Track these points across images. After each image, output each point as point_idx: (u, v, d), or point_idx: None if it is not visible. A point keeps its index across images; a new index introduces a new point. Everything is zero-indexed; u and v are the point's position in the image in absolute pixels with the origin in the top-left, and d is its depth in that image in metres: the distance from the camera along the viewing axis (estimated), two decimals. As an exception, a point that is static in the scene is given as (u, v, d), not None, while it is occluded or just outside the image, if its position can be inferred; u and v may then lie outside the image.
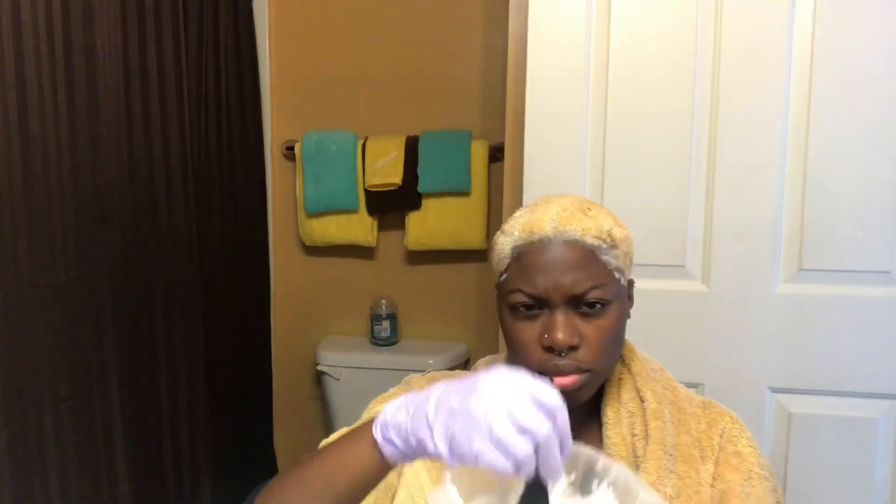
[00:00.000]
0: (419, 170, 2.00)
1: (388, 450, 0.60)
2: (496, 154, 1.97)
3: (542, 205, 0.81)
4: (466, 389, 0.56)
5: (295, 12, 2.13)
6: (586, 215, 0.78)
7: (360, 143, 2.06)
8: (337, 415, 2.06)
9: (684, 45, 1.28)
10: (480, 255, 2.07)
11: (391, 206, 2.07)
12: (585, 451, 0.64)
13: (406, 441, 0.59)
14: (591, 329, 0.77)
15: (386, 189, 2.04)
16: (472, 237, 2.03)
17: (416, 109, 2.08)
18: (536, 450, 0.54)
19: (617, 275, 0.79)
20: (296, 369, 2.26)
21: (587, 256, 0.77)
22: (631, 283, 0.84)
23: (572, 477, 0.63)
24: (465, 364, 2.11)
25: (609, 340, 0.78)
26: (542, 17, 1.31)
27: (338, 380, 2.03)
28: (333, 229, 2.10)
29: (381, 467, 0.62)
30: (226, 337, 1.97)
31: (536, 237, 0.77)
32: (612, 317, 0.78)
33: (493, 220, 2.02)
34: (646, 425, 0.81)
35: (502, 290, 0.81)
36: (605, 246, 0.77)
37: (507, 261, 0.80)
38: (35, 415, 1.30)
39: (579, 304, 0.76)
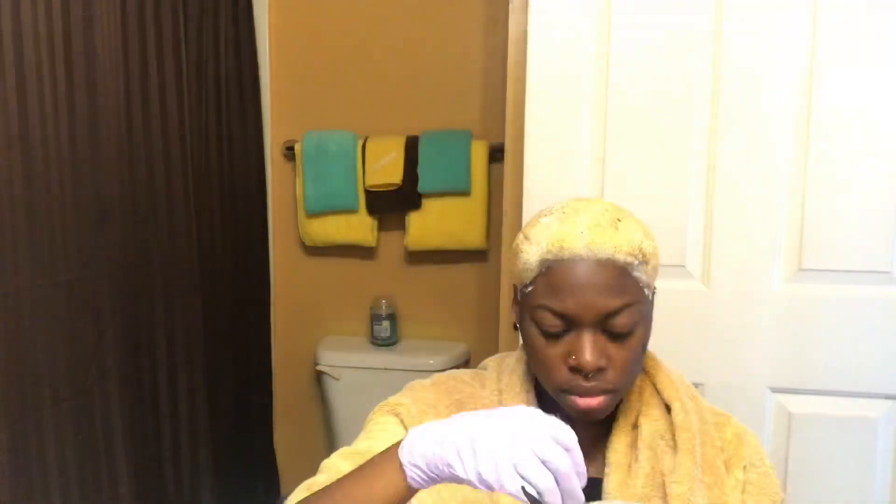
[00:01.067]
0: (419, 170, 2.00)
1: (415, 478, 0.63)
2: (496, 154, 1.97)
3: (570, 214, 0.77)
4: (492, 426, 0.61)
5: (295, 12, 2.13)
6: (618, 229, 0.75)
7: (360, 143, 2.06)
8: (337, 415, 2.07)
9: (685, 45, 1.28)
10: (480, 256, 2.07)
11: (391, 206, 2.07)
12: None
13: (434, 468, 0.61)
14: (618, 351, 0.75)
15: (386, 189, 2.04)
16: (472, 237, 2.03)
17: (416, 109, 2.08)
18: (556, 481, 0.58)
19: (647, 291, 0.77)
20: (296, 369, 2.26)
21: (619, 274, 0.74)
22: (654, 292, 0.82)
23: None
24: (466, 364, 2.11)
25: (635, 361, 0.77)
26: (543, 18, 1.31)
27: (338, 380, 2.03)
28: (333, 229, 2.10)
29: (408, 494, 0.64)
30: (226, 337, 1.97)
31: (567, 254, 0.74)
32: (639, 337, 0.77)
33: (493, 220, 2.02)
34: (674, 436, 0.80)
35: (527, 303, 0.78)
36: (636, 262, 0.75)
37: (533, 273, 0.77)
38: (35, 415, 1.30)
39: (608, 324, 0.74)
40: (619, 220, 0.76)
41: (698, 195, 1.29)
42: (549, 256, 0.75)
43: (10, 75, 1.22)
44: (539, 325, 0.76)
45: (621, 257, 0.74)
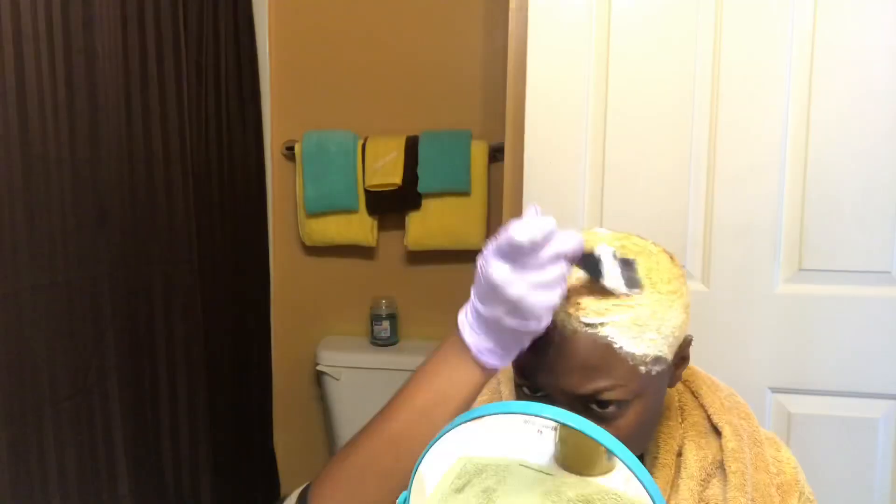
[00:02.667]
0: (419, 170, 2.00)
1: (481, 350, 0.62)
2: (496, 154, 1.97)
3: None
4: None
5: (295, 12, 2.13)
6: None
7: (360, 143, 2.06)
8: (337, 415, 2.07)
9: (684, 46, 1.28)
10: (480, 256, 2.07)
11: (391, 206, 2.07)
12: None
13: (494, 325, 0.61)
14: (607, 429, 0.67)
15: (386, 189, 2.04)
16: (472, 237, 2.03)
17: (416, 109, 2.08)
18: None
19: (644, 368, 0.63)
20: (296, 369, 2.26)
21: (598, 351, 0.62)
22: (687, 342, 0.70)
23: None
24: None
25: (630, 437, 0.64)
26: (542, 18, 1.31)
27: (338, 380, 2.03)
28: (333, 229, 2.10)
29: (482, 376, 0.63)
30: (226, 337, 1.97)
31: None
32: (635, 413, 0.65)
33: (493, 220, 2.02)
34: (723, 466, 0.72)
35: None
36: (626, 336, 0.62)
37: None
38: (35, 415, 1.30)
39: (590, 403, 0.64)
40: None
41: (698, 195, 1.29)
42: None
43: (10, 75, 1.22)
44: (517, 382, 0.69)
45: (606, 331, 0.62)
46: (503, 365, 0.64)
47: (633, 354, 0.62)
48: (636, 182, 1.31)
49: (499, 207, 1.84)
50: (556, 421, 0.49)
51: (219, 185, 1.94)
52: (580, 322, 0.62)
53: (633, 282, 0.64)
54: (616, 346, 0.62)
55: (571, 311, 0.63)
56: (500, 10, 1.93)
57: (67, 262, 1.36)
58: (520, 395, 0.70)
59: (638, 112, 1.30)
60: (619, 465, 0.53)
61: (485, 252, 0.62)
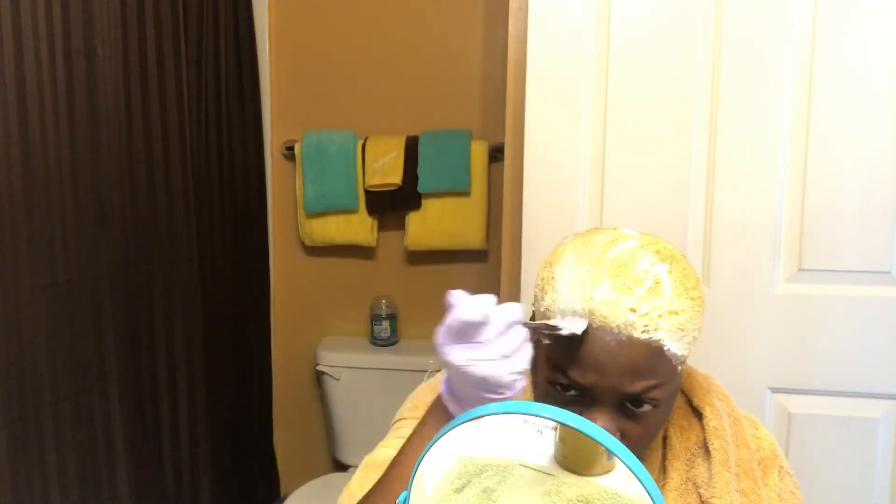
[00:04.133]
0: (419, 170, 2.00)
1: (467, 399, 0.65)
2: (496, 154, 1.97)
3: (606, 269, 0.67)
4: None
5: (295, 12, 2.13)
6: (658, 297, 0.65)
7: (360, 143, 2.06)
8: (337, 415, 2.07)
9: (684, 46, 1.28)
10: (480, 256, 2.07)
11: (391, 206, 2.07)
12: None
13: (469, 384, 0.63)
14: (635, 428, 0.68)
15: (386, 189, 2.04)
16: (471, 237, 2.03)
17: (416, 109, 2.08)
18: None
19: (680, 367, 0.69)
20: (296, 369, 2.26)
21: (652, 354, 0.66)
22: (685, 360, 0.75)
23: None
24: (465, 364, 2.11)
25: (653, 434, 0.71)
26: (542, 17, 1.31)
27: (338, 380, 2.03)
28: (333, 229, 2.10)
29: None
30: (226, 337, 1.97)
31: (595, 322, 0.66)
32: (662, 412, 0.70)
33: (493, 220, 2.02)
34: (707, 444, 0.76)
35: (544, 351, 0.71)
36: (674, 339, 0.66)
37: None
38: (35, 415, 1.30)
39: (628, 402, 0.68)
40: (658, 284, 0.66)
41: (698, 195, 1.29)
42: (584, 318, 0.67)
43: (10, 75, 1.22)
44: (551, 382, 0.71)
45: (658, 336, 0.65)
46: None
47: (676, 356, 0.67)
48: (636, 182, 1.31)
49: (499, 207, 1.84)
50: (556, 421, 0.49)
51: (219, 185, 1.94)
52: (636, 329, 0.65)
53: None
54: (666, 348, 0.66)
55: (625, 317, 0.65)
56: (500, 10, 1.93)
57: (67, 262, 1.36)
58: (549, 394, 0.72)
59: (638, 112, 1.30)
60: (618, 465, 0.53)
61: (438, 341, 0.64)
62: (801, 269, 1.27)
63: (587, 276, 0.67)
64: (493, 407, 0.52)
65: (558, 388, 0.70)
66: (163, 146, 1.64)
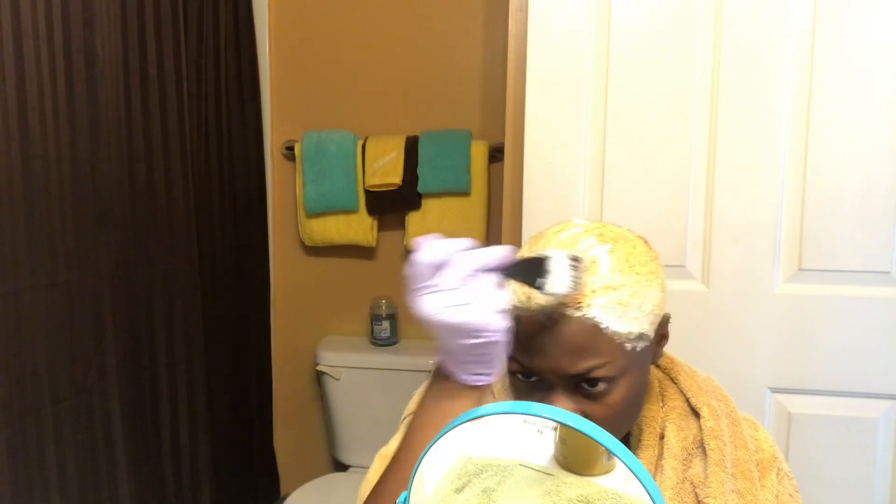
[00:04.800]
0: (419, 170, 2.00)
1: (468, 377, 0.64)
2: (496, 154, 1.97)
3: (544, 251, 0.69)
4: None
5: (295, 12, 2.13)
6: (593, 274, 0.66)
7: (359, 143, 2.06)
8: (337, 415, 2.06)
9: (684, 46, 1.28)
10: (480, 255, 2.07)
11: (391, 206, 2.07)
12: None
13: (464, 353, 0.63)
14: (596, 408, 0.69)
15: (386, 189, 2.04)
16: (471, 237, 2.02)
17: (416, 109, 2.08)
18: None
19: (631, 345, 0.68)
20: (296, 369, 2.26)
21: (587, 332, 0.66)
22: (666, 319, 0.75)
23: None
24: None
25: (619, 414, 0.70)
26: (542, 17, 1.31)
27: (338, 380, 2.03)
28: (333, 229, 2.10)
29: (479, 394, 0.65)
30: (226, 337, 1.97)
31: (532, 304, 0.67)
32: (623, 389, 0.69)
33: (493, 220, 2.02)
34: (703, 444, 0.76)
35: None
36: (612, 315, 0.66)
37: (510, 317, 0.70)
38: (35, 415, 1.30)
39: (578, 383, 0.68)
40: (593, 263, 0.67)
41: (698, 195, 1.30)
42: (515, 303, 0.68)
43: (10, 75, 1.22)
44: (510, 369, 0.72)
45: (592, 313, 0.66)
46: (496, 376, 0.66)
47: (618, 333, 0.67)
48: (636, 182, 1.31)
49: (499, 207, 1.84)
50: (556, 421, 0.49)
51: (219, 185, 1.94)
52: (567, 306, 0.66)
53: (579, 284, 0.67)
54: (602, 325, 0.66)
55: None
56: (500, 10, 1.93)
57: (67, 262, 1.36)
58: (514, 384, 0.73)
59: (638, 112, 1.30)
60: (618, 465, 0.53)
61: (409, 296, 0.64)
62: (801, 269, 1.27)
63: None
64: (493, 407, 0.52)
65: (519, 376, 0.71)
66: (163, 146, 1.64)
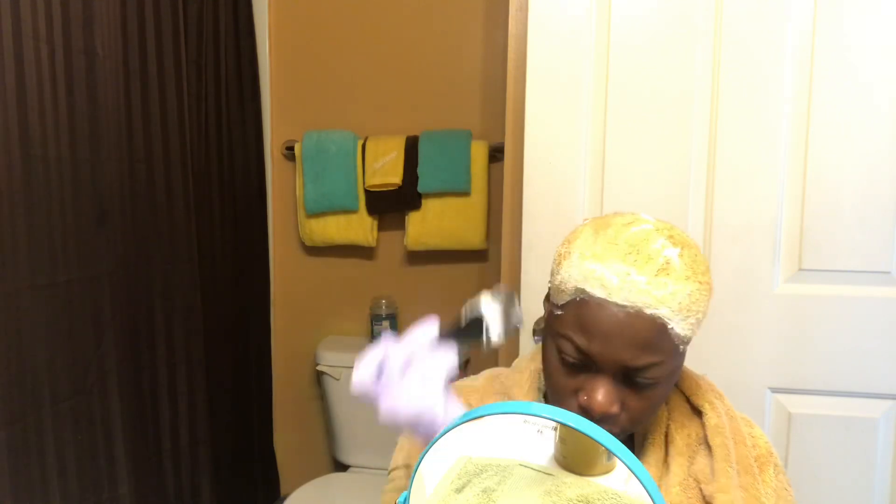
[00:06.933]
0: (419, 170, 2.00)
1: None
2: (496, 154, 1.97)
3: (621, 245, 0.70)
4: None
5: (295, 12, 2.13)
6: (668, 276, 0.68)
7: (359, 143, 2.06)
8: (337, 415, 2.06)
9: (685, 46, 1.28)
10: (480, 255, 2.07)
11: (391, 206, 2.07)
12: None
13: None
14: (636, 400, 0.71)
15: (386, 189, 2.04)
16: (472, 237, 2.03)
17: (416, 109, 2.08)
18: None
19: (682, 347, 0.72)
20: (296, 369, 2.26)
21: (656, 330, 0.68)
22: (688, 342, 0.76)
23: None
24: (466, 364, 2.11)
25: (653, 409, 0.74)
26: (542, 17, 1.31)
27: (338, 380, 2.03)
28: (333, 229, 2.10)
29: None
30: (226, 337, 1.97)
31: (604, 293, 0.68)
32: (662, 388, 0.72)
33: (493, 220, 2.02)
34: (708, 441, 0.78)
35: (555, 324, 0.74)
36: (679, 318, 0.68)
37: (567, 297, 0.72)
38: (35, 415, 1.30)
39: (631, 374, 0.70)
40: (668, 265, 0.68)
41: (698, 195, 1.29)
42: (587, 288, 0.70)
43: (10, 75, 1.22)
44: (560, 351, 0.73)
45: (662, 311, 0.68)
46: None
47: (679, 335, 0.70)
48: (636, 182, 1.31)
49: (499, 207, 1.84)
50: (556, 421, 0.49)
51: (219, 185, 1.94)
52: (643, 303, 0.68)
53: (516, 319, 0.71)
54: (669, 326, 0.69)
55: (636, 290, 0.68)
56: (500, 10, 1.93)
57: (67, 262, 1.36)
58: (552, 360, 0.75)
59: (638, 112, 1.30)
60: (618, 465, 0.53)
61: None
62: (801, 269, 1.27)
63: (602, 250, 0.70)
64: (493, 407, 0.52)
65: (568, 356, 0.72)
66: (163, 146, 1.64)
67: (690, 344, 0.74)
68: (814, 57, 1.23)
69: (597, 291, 0.69)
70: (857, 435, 1.28)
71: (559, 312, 0.73)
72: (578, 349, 0.71)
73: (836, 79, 1.22)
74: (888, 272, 1.24)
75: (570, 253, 0.73)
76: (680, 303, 0.68)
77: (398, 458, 0.88)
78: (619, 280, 0.68)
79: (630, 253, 0.69)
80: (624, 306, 0.68)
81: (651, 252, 0.69)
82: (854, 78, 1.22)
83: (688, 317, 0.69)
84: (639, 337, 0.68)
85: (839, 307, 1.26)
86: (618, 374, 0.70)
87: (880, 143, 1.22)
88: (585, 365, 0.72)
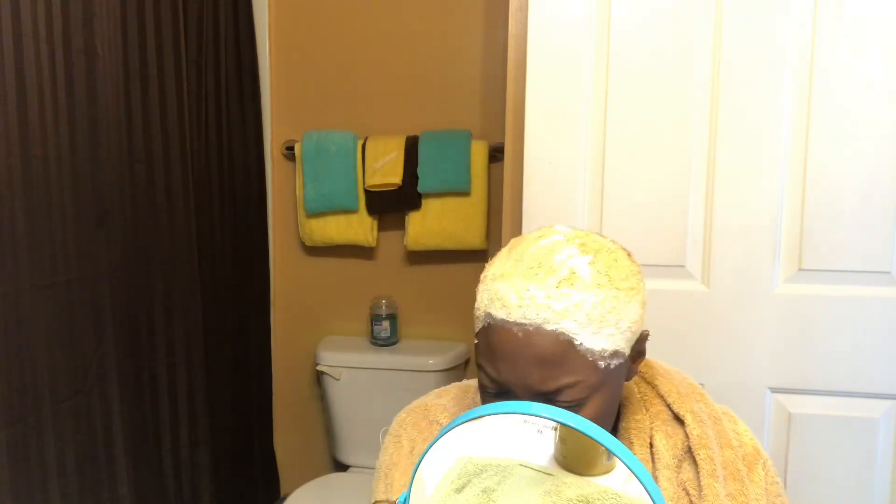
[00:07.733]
0: (419, 170, 2.00)
1: None
2: (496, 154, 1.97)
3: (520, 261, 0.65)
4: None
5: (295, 12, 2.13)
6: (570, 286, 0.62)
7: (359, 143, 2.06)
8: (337, 415, 2.06)
9: (684, 46, 1.28)
10: (480, 256, 2.07)
11: (391, 206, 2.07)
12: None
13: None
14: None
15: (386, 189, 2.04)
16: (471, 237, 2.03)
17: (416, 109, 2.08)
18: None
19: (603, 363, 0.64)
20: (296, 369, 2.26)
21: (561, 347, 0.62)
22: (644, 336, 0.71)
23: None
24: (465, 364, 2.11)
25: (598, 422, 0.66)
26: (542, 17, 1.31)
27: (338, 380, 2.03)
28: (333, 229, 2.10)
29: None
30: (226, 337, 1.97)
31: (504, 314, 0.64)
32: (593, 407, 0.66)
33: (493, 220, 2.02)
34: (692, 453, 0.74)
35: (476, 350, 0.69)
36: (587, 332, 0.63)
37: (480, 323, 0.68)
38: (35, 415, 1.30)
39: (550, 399, 0.64)
40: (573, 274, 0.63)
41: (698, 195, 1.30)
42: (491, 311, 0.65)
43: (10, 75, 1.22)
44: (480, 381, 0.69)
45: (566, 327, 0.62)
46: None
47: (592, 350, 0.63)
48: (636, 182, 1.31)
49: (499, 207, 1.84)
50: (556, 421, 0.49)
51: (219, 185, 1.94)
52: (542, 318, 0.63)
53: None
54: (577, 342, 0.63)
55: (533, 306, 0.63)
56: (500, 10, 1.93)
57: (67, 262, 1.36)
58: (484, 399, 0.70)
59: (638, 112, 1.30)
60: (618, 465, 0.53)
61: None
62: (801, 269, 1.27)
63: (509, 269, 0.66)
64: (493, 407, 0.52)
65: (489, 390, 0.67)
66: (163, 146, 1.64)
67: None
68: (814, 57, 1.23)
69: (499, 313, 0.64)
70: (857, 435, 1.28)
71: (476, 342, 0.69)
72: (492, 379, 0.66)
73: (836, 79, 1.23)
74: (888, 272, 1.24)
75: (485, 277, 0.69)
76: (588, 314, 0.62)
77: (378, 491, 0.83)
78: (517, 297, 0.63)
79: (532, 267, 0.64)
80: (523, 324, 0.63)
81: (554, 263, 0.64)
82: (854, 78, 1.22)
83: (602, 328, 0.63)
84: (543, 356, 0.62)
85: (839, 307, 1.26)
86: (537, 399, 0.64)
87: (880, 144, 1.22)
88: (505, 393, 0.66)
